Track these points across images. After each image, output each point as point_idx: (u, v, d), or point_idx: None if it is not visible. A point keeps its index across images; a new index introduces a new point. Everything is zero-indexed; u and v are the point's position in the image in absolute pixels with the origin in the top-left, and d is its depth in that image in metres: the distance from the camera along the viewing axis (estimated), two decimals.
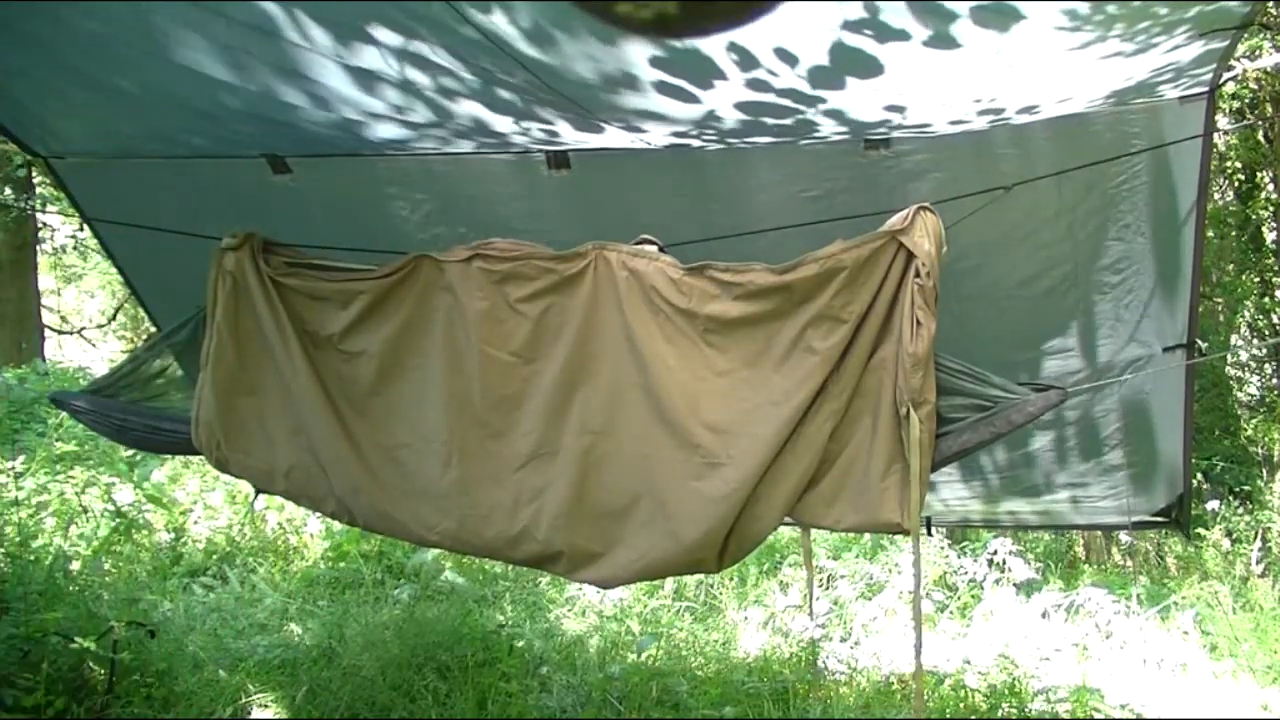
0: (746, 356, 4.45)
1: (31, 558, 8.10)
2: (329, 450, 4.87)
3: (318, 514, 6.44)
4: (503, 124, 4.43)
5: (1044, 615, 9.74)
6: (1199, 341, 5.45)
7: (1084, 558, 13.56)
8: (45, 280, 20.27)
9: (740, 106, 3.92)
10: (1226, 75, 4.14)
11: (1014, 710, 7.73)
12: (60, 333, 22.60)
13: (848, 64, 3.44)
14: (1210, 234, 10.12)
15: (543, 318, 4.60)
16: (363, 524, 5.03)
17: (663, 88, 3.76)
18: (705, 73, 3.58)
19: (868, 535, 10.13)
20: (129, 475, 10.80)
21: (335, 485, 4.92)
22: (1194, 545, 12.88)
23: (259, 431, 5.05)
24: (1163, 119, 4.37)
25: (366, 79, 3.93)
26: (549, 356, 4.61)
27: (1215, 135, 4.93)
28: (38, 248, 17.96)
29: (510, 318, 4.62)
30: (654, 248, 4.56)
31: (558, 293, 4.57)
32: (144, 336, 19.35)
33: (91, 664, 6.74)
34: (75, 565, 8.45)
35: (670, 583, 10.21)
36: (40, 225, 18.04)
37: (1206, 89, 4.14)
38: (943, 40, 3.21)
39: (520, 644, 8.06)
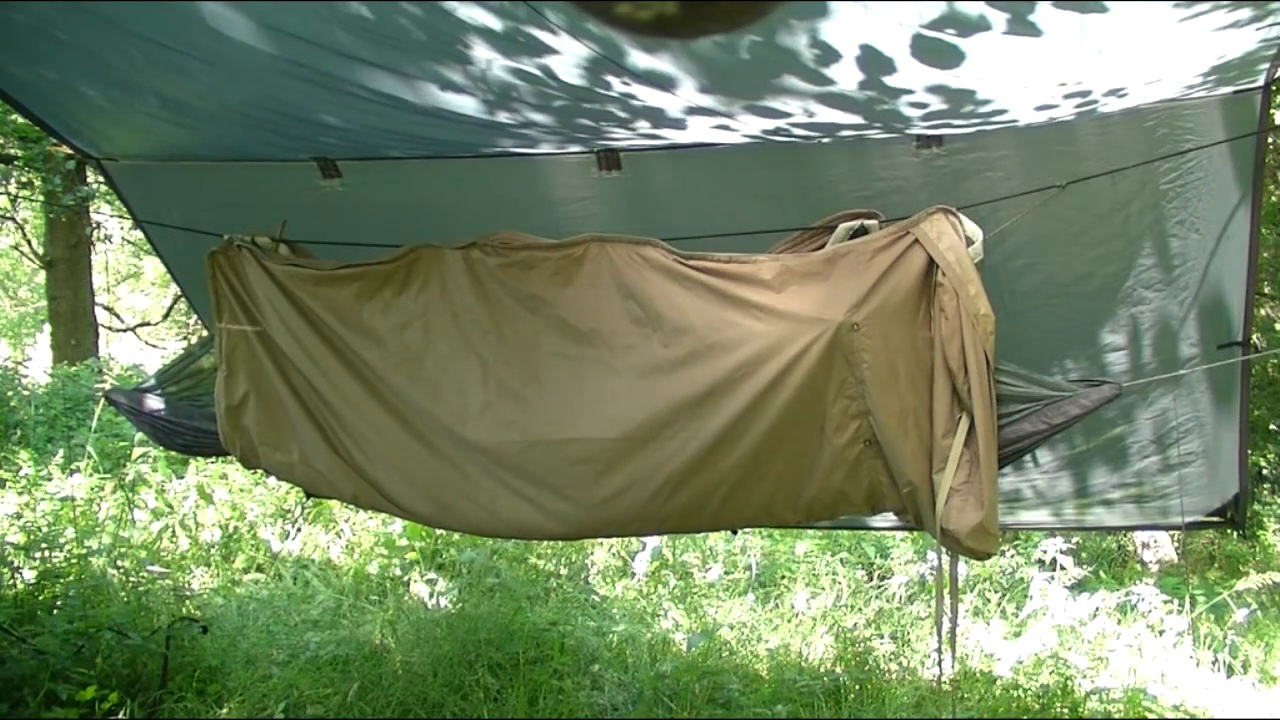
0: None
1: (85, 554, 8.19)
2: (345, 437, 4.88)
3: (340, 502, 6.53)
4: (567, 126, 4.44)
5: (1095, 614, 9.68)
6: (1254, 339, 5.39)
7: (1136, 555, 13.47)
8: (98, 278, 20.46)
9: (821, 99, 3.89)
10: None
11: (1066, 712, 7.69)
12: (114, 330, 22.85)
13: (926, 55, 3.39)
14: (1265, 232, 10.00)
15: (542, 305, 4.57)
16: (368, 504, 5.08)
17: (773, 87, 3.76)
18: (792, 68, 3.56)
19: (917, 533, 10.10)
20: (180, 472, 10.91)
21: (347, 473, 4.94)
22: (1250, 544, 12.78)
23: (276, 426, 5.08)
24: (1216, 114, 4.33)
25: (430, 88, 3.95)
26: (552, 341, 4.58)
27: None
28: (91, 245, 18.14)
29: (510, 304, 4.61)
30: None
31: (557, 278, 4.54)
32: (197, 335, 19.53)
33: (145, 659, 6.81)
34: (128, 562, 8.53)
35: (722, 577, 10.24)
36: (95, 225, 18.22)
37: (1261, 83, 4.09)
38: (1022, 25, 3.16)
39: (571, 641, 8.08)
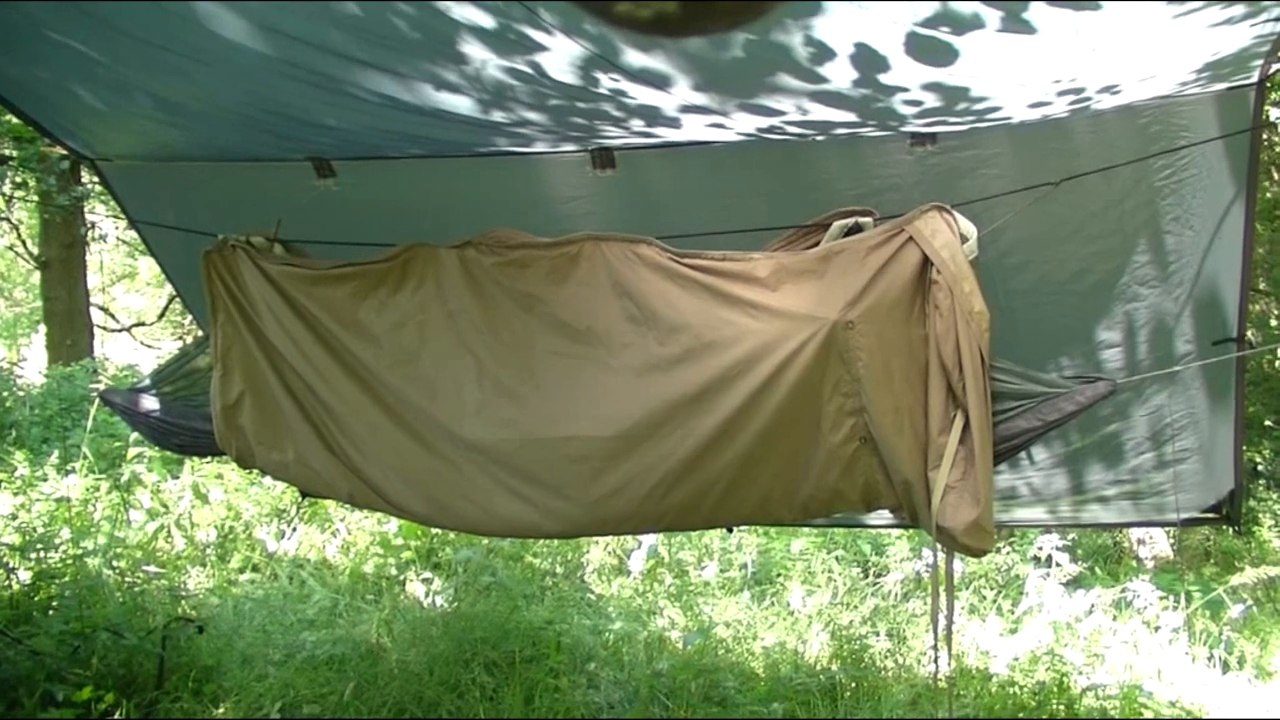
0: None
1: (80, 554, 8.18)
2: (340, 437, 4.88)
3: (336, 501, 6.56)
4: (562, 125, 4.44)
5: (1091, 611, 9.69)
6: (1249, 335, 5.39)
7: (1131, 551, 13.49)
8: (94, 278, 20.44)
9: (815, 97, 3.89)
10: (1276, 66, 4.07)
11: (1062, 708, 7.69)
12: (109, 330, 22.82)
13: (921, 53, 3.39)
14: (1259, 228, 9.99)
15: (538, 303, 4.56)
16: (364, 504, 5.09)
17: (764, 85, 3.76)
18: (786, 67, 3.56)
19: (913, 530, 10.10)
20: (175, 472, 10.90)
21: (343, 472, 4.94)
22: (1245, 540, 12.79)
23: (271, 425, 5.08)
24: (1210, 110, 4.33)
25: (425, 87, 3.94)
26: (547, 340, 4.58)
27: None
28: (86, 246, 18.11)
29: (505, 303, 4.61)
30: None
31: (553, 277, 4.54)
32: (192, 335, 19.51)
33: (141, 659, 6.81)
34: (123, 562, 8.52)
35: (718, 575, 10.24)
36: (89, 225, 18.19)
37: (1255, 80, 4.09)
38: (1017, 23, 3.15)
39: (567, 640, 8.07)
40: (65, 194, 14.59)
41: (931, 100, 3.91)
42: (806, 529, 10.67)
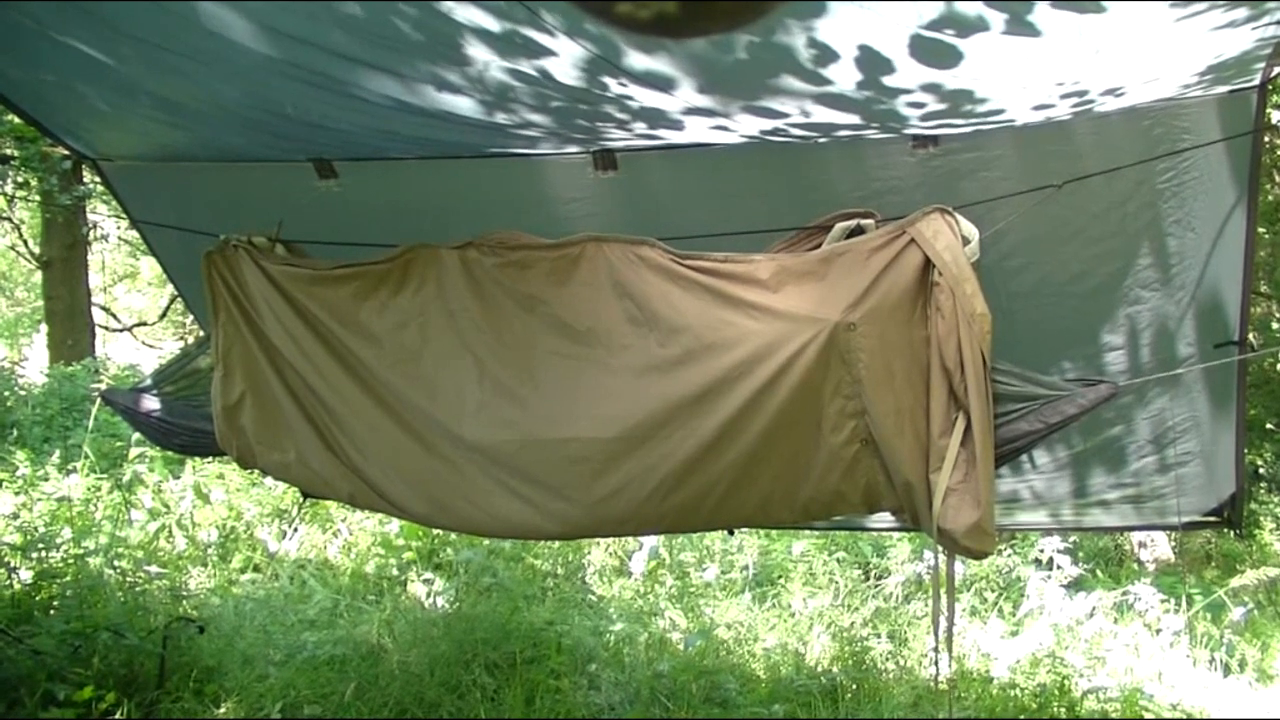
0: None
1: (82, 554, 8.18)
2: (341, 437, 4.88)
3: (337, 502, 6.56)
4: (564, 127, 4.44)
5: (1092, 614, 9.68)
6: (1250, 338, 5.38)
7: (1133, 554, 13.47)
8: (95, 278, 20.44)
9: (818, 99, 3.88)
10: (1278, 70, 4.07)
11: (1063, 711, 7.69)
12: (110, 330, 22.82)
13: (924, 55, 3.39)
14: (1261, 230, 9.96)
15: (539, 304, 4.56)
16: (365, 504, 5.10)
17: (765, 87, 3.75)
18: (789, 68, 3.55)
19: (914, 532, 10.08)
20: (176, 472, 10.90)
21: (343, 473, 4.94)
22: (1246, 543, 12.78)
23: (272, 425, 5.08)
24: (1212, 113, 4.32)
25: (428, 89, 3.94)
26: (548, 341, 4.57)
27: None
28: (88, 245, 18.11)
29: (507, 304, 4.60)
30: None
31: (554, 278, 4.53)
32: (193, 335, 19.51)
33: (142, 660, 6.81)
34: (125, 562, 8.52)
35: (719, 577, 10.23)
36: (91, 225, 18.19)
37: (1257, 83, 4.09)
38: (1021, 25, 3.15)
39: (568, 641, 8.07)
40: (67, 194, 14.61)
41: (934, 102, 3.90)
42: (807, 531, 10.66)
